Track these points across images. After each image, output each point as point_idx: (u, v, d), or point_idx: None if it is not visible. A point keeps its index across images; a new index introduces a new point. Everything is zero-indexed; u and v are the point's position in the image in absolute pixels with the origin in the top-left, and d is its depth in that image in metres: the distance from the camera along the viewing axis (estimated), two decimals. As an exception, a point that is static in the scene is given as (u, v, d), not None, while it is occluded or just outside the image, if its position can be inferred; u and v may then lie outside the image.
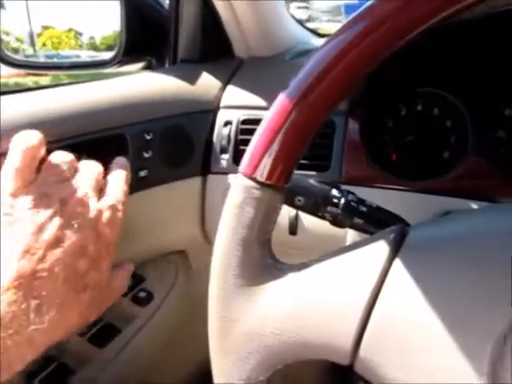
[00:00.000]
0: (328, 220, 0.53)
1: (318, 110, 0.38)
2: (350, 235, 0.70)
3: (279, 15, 0.92)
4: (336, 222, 0.53)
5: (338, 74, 0.37)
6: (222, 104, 0.79)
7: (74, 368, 0.56)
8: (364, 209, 0.53)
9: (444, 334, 0.32)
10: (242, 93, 0.79)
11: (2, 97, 0.64)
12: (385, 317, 0.34)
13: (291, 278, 0.38)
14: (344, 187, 0.55)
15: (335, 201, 0.52)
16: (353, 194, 0.54)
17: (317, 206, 0.52)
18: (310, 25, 1.24)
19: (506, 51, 0.67)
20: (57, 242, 0.50)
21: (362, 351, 0.35)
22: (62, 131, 0.62)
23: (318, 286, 0.37)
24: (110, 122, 0.67)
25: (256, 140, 0.39)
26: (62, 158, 0.55)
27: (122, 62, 0.87)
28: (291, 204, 0.53)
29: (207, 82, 0.81)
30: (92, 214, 0.54)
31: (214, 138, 0.77)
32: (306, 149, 0.40)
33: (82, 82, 0.73)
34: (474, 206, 0.64)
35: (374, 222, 0.53)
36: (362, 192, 0.56)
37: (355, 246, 0.39)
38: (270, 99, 0.74)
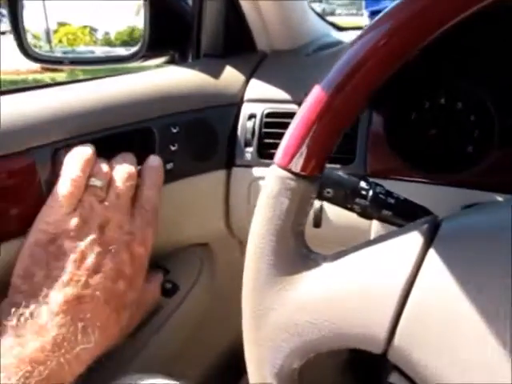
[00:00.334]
0: (356, 212, 0.53)
1: (352, 103, 0.38)
2: (374, 228, 0.70)
3: (301, 9, 0.92)
4: (364, 213, 0.53)
5: (372, 68, 0.38)
6: (245, 97, 0.80)
7: (102, 359, 0.58)
8: (392, 201, 0.53)
9: (479, 324, 0.33)
10: (266, 86, 0.79)
11: (31, 92, 0.65)
12: (420, 305, 0.35)
13: (326, 267, 0.39)
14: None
15: (363, 193, 0.52)
16: (381, 186, 0.54)
17: (345, 198, 0.53)
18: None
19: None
20: (97, 268, 0.55)
21: (396, 339, 0.36)
22: (91, 125, 0.63)
23: (352, 275, 0.38)
24: (137, 116, 0.67)
25: (291, 132, 0.39)
26: (98, 170, 0.59)
27: (145, 57, 0.87)
28: (320, 196, 0.53)
29: (231, 76, 0.81)
30: (126, 237, 0.59)
31: (239, 132, 0.77)
32: (339, 141, 0.40)
33: (104, 76, 0.74)
34: (500, 199, 0.64)
35: (401, 214, 0.53)
36: (386, 185, 0.56)
37: (388, 236, 0.39)
38: (294, 93, 0.76)
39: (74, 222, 0.55)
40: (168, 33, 0.88)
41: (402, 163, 0.70)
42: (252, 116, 0.77)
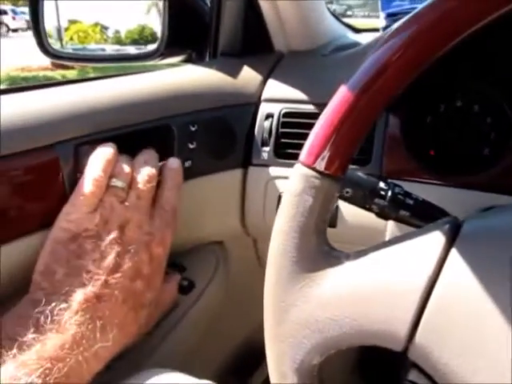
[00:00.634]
0: (374, 212, 0.54)
1: (376, 104, 0.39)
2: (390, 228, 0.71)
3: (319, 9, 0.92)
4: (382, 214, 0.54)
5: (396, 70, 0.39)
6: (263, 97, 0.80)
7: (120, 355, 0.59)
8: (410, 202, 0.54)
9: (501, 321, 0.33)
10: (283, 86, 0.80)
11: (49, 89, 0.66)
12: (442, 302, 0.35)
13: (348, 265, 0.40)
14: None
15: (382, 193, 0.53)
16: (400, 186, 0.54)
17: (364, 198, 0.53)
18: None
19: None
20: (116, 267, 0.56)
21: (417, 337, 0.36)
22: (111, 122, 0.64)
23: (375, 273, 0.38)
24: (156, 113, 0.68)
25: (316, 131, 0.40)
26: (120, 170, 0.60)
27: (163, 55, 0.88)
28: (339, 196, 0.54)
29: (248, 76, 0.82)
30: (146, 238, 0.59)
31: (256, 131, 0.78)
32: (363, 142, 0.41)
33: (123, 74, 0.75)
34: (515, 201, 0.64)
35: (419, 215, 0.54)
36: (403, 186, 0.57)
37: (409, 236, 0.40)
38: (311, 93, 0.77)
39: (94, 221, 0.56)
40: (186, 32, 0.89)
41: (418, 165, 0.71)
42: (269, 116, 0.78)
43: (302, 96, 0.77)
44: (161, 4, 0.86)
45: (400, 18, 0.42)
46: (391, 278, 0.37)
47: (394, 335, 0.37)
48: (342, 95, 0.39)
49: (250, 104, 0.79)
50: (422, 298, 0.35)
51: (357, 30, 1.14)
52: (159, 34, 0.87)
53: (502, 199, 0.65)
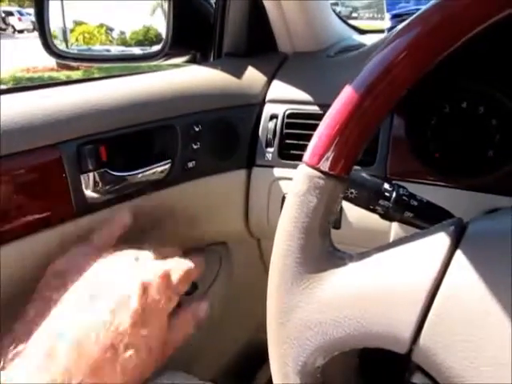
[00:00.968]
0: (379, 213, 0.54)
1: (382, 105, 0.39)
2: (394, 230, 0.70)
3: (324, 11, 0.92)
4: (386, 215, 0.53)
5: (402, 70, 0.38)
6: (267, 98, 0.80)
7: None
8: (415, 203, 0.53)
9: (507, 323, 0.33)
10: (288, 87, 0.80)
11: (53, 88, 0.66)
12: (447, 304, 0.35)
13: (352, 266, 0.39)
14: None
15: (387, 194, 0.53)
16: (404, 188, 0.54)
17: (369, 199, 0.53)
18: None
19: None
20: (135, 325, 0.51)
21: (421, 339, 0.36)
22: (115, 121, 0.63)
23: (379, 274, 0.38)
24: (160, 114, 0.68)
25: (321, 131, 0.40)
26: None
27: (168, 55, 0.88)
28: (343, 197, 0.54)
29: (253, 76, 0.82)
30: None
31: (260, 132, 0.78)
32: (368, 143, 0.41)
33: (126, 75, 0.75)
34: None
35: (424, 216, 0.54)
36: (408, 187, 0.57)
37: (413, 237, 0.40)
38: (316, 94, 0.76)
39: None
40: (190, 32, 0.89)
41: (422, 166, 0.70)
42: (274, 116, 0.78)
43: (306, 97, 0.77)
44: (165, 5, 0.86)
45: (405, 19, 0.42)
46: (395, 279, 0.37)
47: (398, 337, 0.37)
48: (346, 96, 0.39)
49: (254, 105, 0.79)
50: (426, 300, 0.35)
51: (362, 32, 1.14)
52: (164, 35, 0.87)
53: (507, 201, 0.64)
